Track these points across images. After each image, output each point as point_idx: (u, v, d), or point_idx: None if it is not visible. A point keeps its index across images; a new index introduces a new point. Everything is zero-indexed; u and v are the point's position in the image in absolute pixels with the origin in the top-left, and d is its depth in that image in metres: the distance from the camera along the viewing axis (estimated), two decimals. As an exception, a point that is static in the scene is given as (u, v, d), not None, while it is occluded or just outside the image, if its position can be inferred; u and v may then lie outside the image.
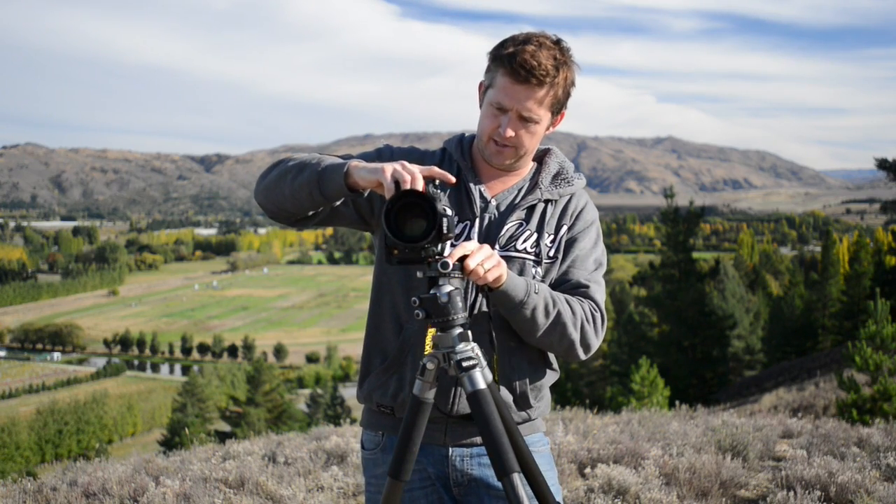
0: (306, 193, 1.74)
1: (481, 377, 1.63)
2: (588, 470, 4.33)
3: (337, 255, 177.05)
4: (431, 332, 1.69)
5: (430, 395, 1.67)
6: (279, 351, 73.97)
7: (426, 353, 1.72)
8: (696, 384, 25.23)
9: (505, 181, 1.92)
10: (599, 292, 1.90)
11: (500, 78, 1.78)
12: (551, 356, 1.94)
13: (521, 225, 1.88)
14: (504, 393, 1.86)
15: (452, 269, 1.61)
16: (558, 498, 1.81)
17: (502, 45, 1.79)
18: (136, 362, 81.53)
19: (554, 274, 1.89)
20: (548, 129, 1.86)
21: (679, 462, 4.31)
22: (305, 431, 7.32)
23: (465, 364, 1.63)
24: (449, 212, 1.61)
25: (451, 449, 1.88)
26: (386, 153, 1.94)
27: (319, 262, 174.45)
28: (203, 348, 79.68)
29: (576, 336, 1.82)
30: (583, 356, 1.87)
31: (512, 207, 1.89)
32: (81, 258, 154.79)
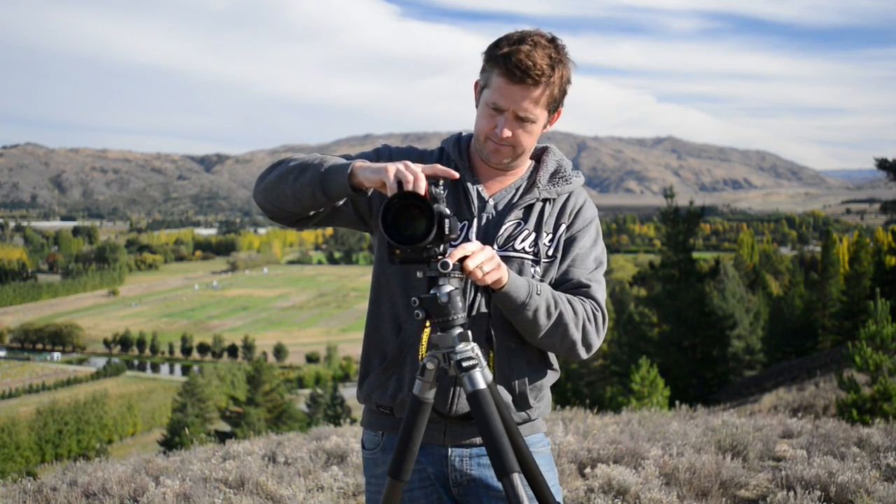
0: (309, 193, 1.74)
1: (481, 377, 1.63)
2: (588, 470, 4.33)
3: (337, 255, 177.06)
4: (427, 333, 1.69)
5: (430, 395, 1.67)
6: (279, 351, 73.97)
7: (421, 355, 1.72)
8: (696, 384, 25.23)
9: (502, 180, 1.92)
10: (600, 291, 1.90)
11: (495, 78, 1.77)
12: (551, 356, 1.94)
13: (519, 224, 1.88)
14: (503, 393, 1.86)
15: (452, 270, 1.62)
16: (558, 498, 1.81)
17: (497, 44, 1.79)
18: (136, 362, 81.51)
19: (553, 273, 1.89)
20: (545, 127, 1.86)
21: (679, 462, 4.31)
22: (305, 431, 7.32)
23: (465, 364, 1.63)
24: (447, 212, 1.61)
25: (450, 449, 1.88)
26: (384, 153, 1.94)
27: (319, 262, 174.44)
28: (203, 348, 79.66)
29: (577, 336, 1.82)
30: (584, 356, 1.87)
31: (510, 207, 1.89)
32: (81, 258, 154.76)
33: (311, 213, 1.82)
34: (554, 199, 1.93)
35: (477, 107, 1.86)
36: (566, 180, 1.94)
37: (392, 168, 1.62)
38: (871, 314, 9.87)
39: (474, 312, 1.83)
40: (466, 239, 1.85)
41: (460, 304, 1.64)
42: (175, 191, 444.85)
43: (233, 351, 76.65)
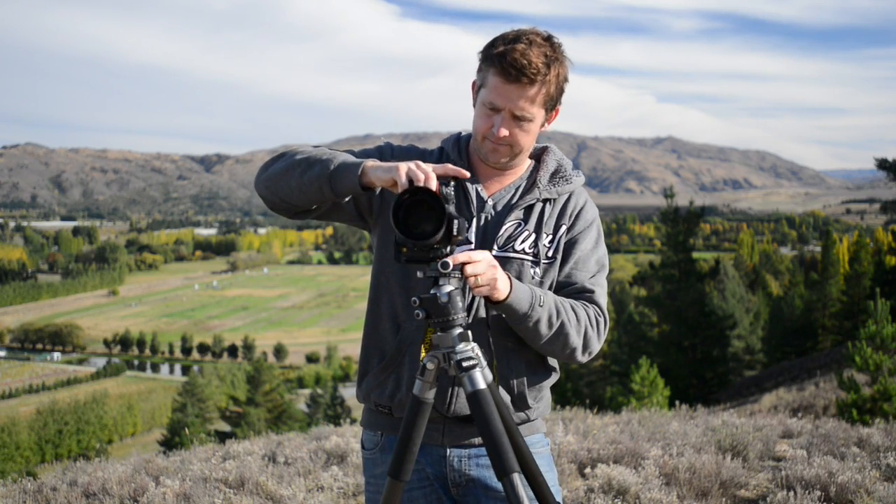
0: (316, 188, 1.74)
1: (481, 377, 1.63)
2: (588, 470, 4.33)
3: (337, 255, 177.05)
4: (430, 332, 1.69)
5: (430, 395, 1.67)
6: (279, 351, 73.98)
7: (423, 355, 1.72)
8: (696, 384, 25.22)
9: (501, 180, 1.92)
10: (603, 296, 1.90)
11: (491, 77, 1.77)
12: (551, 357, 1.94)
13: (519, 225, 1.87)
14: (502, 393, 1.86)
15: (453, 270, 1.62)
16: (558, 499, 1.81)
17: (492, 44, 1.79)
18: (136, 362, 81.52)
19: (553, 274, 1.88)
20: (543, 125, 1.86)
21: (679, 462, 4.31)
22: (305, 431, 7.32)
23: (465, 364, 1.63)
24: (455, 213, 1.61)
25: (448, 449, 1.87)
26: (387, 151, 1.94)
27: (319, 262, 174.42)
28: (203, 348, 79.69)
29: (578, 343, 1.82)
30: (584, 360, 1.88)
31: (509, 207, 1.88)
32: (81, 258, 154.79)
33: (314, 206, 1.83)
34: (554, 200, 1.92)
35: (474, 106, 1.85)
36: (567, 180, 1.93)
37: (403, 167, 1.62)
38: (871, 314, 9.86)
39: (472, 313, 1.83)
40: (467, 241, 1.85)
41: (460, 305, 1.64)
42: (175, 191, 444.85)
43: (233, 351, 76.67)
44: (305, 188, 1.76)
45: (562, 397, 24.33)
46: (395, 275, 1.89)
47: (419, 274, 1.66)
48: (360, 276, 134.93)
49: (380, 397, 1.89)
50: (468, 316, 1.74)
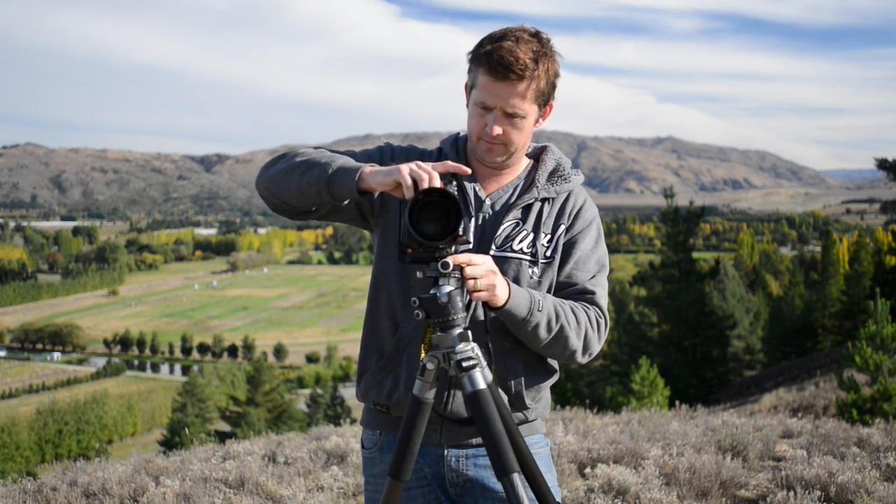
0: (314, 192, 1.75)
1: (481, 377, 1.63)
2: (588, 470, 4.33)
3: (337, 255, 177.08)
4: (430, 332, 1.70)
5: (430, 395, 1.67)
6: (279, 351, 73.98)
7: (422, 356, 1.72)
8: (696, 384, 25.21)
9: (499, 180, 1.92)
10: (604, 297, 1.90)
11: (480, 77, 1.78)
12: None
13: (517, 225, 1.87)
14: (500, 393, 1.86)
15: (452, 270, 1.62)
16: (557, 499, 1.81)
17: (480, 44, 1.79)
18: (136, 362, 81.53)
19: (551, 274, 1.88)
20: (536, 122, 1.85)
21: (679, 462, 4.31)
22: (305, 431, 7.32)
23: (465, 364, 1.63)
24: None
25: (446, 449, 1.87)
26: (387, 151, 1.95)
27: (319, 262, 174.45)
28: (203, 348, 79.70)
29: (578, 345, 1.82)
30: (584, 361, 1.88)
31: (508, 207, 1.88)
32: (81, 258, 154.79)
33: (313, 208, 1.83)
34: (553, 199, 1.92)
35: (467, 108, 1.86)
36: (565, 179, 1.93)
37: (406, 168, 1.63)
38: (871, 314, 9.86)
39: (470, 313, 1.83)
40: (466, 241, 1.85)
41: (460, 305, 1.64)
42: (175, 191, 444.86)
43: (233, 351, 76.67)
44: (304, 191, 1.77)
45: (562, 397, 24.32)
46: (394, 274, 1.89)
47: (419, 274, 1.67)
48: (360, 276, 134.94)
49: (378, 396, 1.89)
50: (466, 316, 1.75)
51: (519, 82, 1.75)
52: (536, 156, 1.98)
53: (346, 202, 1.83)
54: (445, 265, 1.60)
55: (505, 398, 1.86)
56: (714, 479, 4.05)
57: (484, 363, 1.67)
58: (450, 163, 1.69)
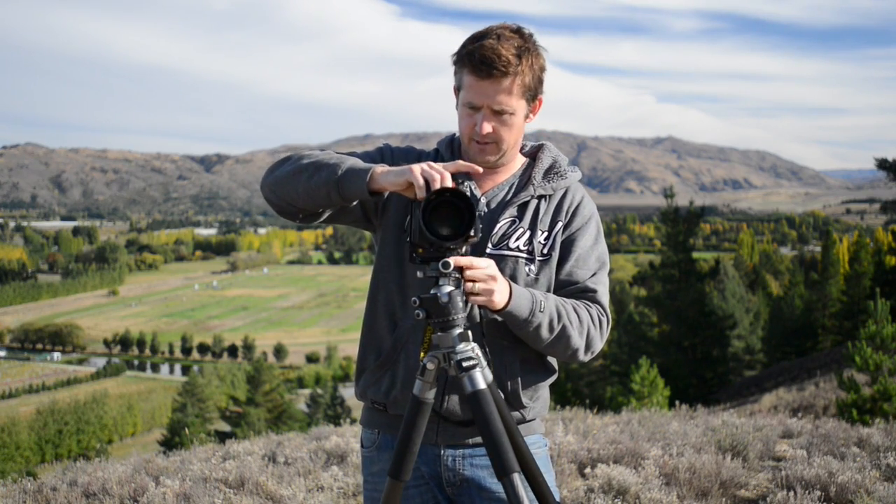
0: (323, 193, 1.75)
1: (481, 377, 1.64)
2: (588, 470, 4.33)
3: (337, 255, 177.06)
4: (430, 332, 1.70)
5: (430, 395, 1.68)
6: (279, 351, 73.98)
7: (422, 355, 1.72)
8: (696, 384, 25.22)
9: (494, 178, 1.92)
10: (605, 294, 1.90)
11: (466, 77, 1.78)
12: (549, 356, 1.94)
13: (513, 222, 1.87)
14: None
15: (453, 270, 1.62)
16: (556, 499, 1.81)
17: (463, 45, 1.80)
18: (136, 362, 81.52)
19: (548, 271, 1.88)
20: (527, 117, 1.85)
21: (679, 462, 4.31)
22: (305, 431, 7.32)
23: (465, 364, 1.63)
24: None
25: (443, 449, 1.87)
26: (387, 152, 1.95)
27: (319, 262, 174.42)
28: (203, 348, 79.68)
29: (581, 344, 1.82)
30: (586, 359, 1.88)
31: (504, 205, 1.88)
32: (81, 258, 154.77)
33: (320, 210, 1.83)
34: (550, 196, 1.92)
35: (457, 109, 1.86)
36: (561, 176, 1.92)
37: (417, 169, 1.63)
38: (871, 314, 9.86)
39: (467, 312, 1.83)
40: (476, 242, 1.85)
41: (461, 305, 1.64)
42: (175, 191, 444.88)
43: (233, 351, 76.66)
44: (313, 192, 1.76)
45: (562, 397, 24.32)
46: (393, 273, 1.89)
47: (419, 274, 1.67)
48: (360, 276, 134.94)
49: (375, 394, 1.89)
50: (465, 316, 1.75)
51: (503, 79, 1.75)
52: (533, 154, 1.98)
53: (353, 203, 1.83)
54: (446, 265, 1.61)
55: (501, 397, 1.85)
56: (714, 479, 4.05)
57: (484, 363, 1.67)
58: (461, 162, 1.69)
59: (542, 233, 1.88)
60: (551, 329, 1.77)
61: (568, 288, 1.87)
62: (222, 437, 16.83)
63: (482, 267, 1.65)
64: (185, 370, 70.79)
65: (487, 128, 1.79)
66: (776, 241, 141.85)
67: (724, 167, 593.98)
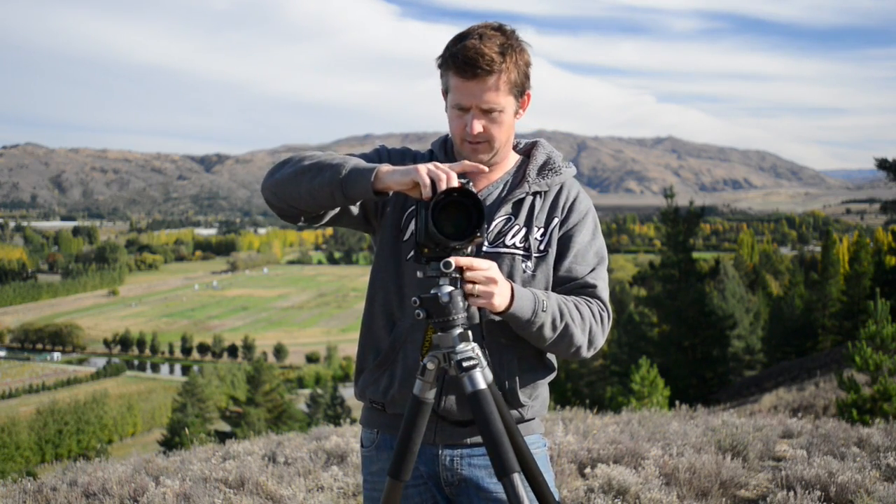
0: (327, 194, 1.73)
1: (481, 377, 1.64)
2: (588, 470, 4.33)
3: (337, 255, 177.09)
4: (431, 332, 1.70)
5: (430, 395, 1.68)
6: (279, 351, 73.98)
7: (423, 354, 1.72)
8: (696, 384, 25.22)
9: (488, 176, 1.92)
10: (605, 290, 1.90)
11: (452, 79, 1.79)
12: (548, 353, 1.94)
13: (509, 220, 1.87)
14: None
15: (453, 270, 1.62)
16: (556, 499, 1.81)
17: (446, 47, 1.81)
18: (136, 362, 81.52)
19: (545, 267, 1.87)
20: (516, 114, 1.86)
21: (679, 462, 4.31)
22: (305, 431, 7.32)
23: (465, 364, 1.63)
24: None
25: (441, 448, 1.87)
26: (383, 154, 1.96)
27: (319, 262, 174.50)
28: (203, 348, 79.68)
29: (584, 341, 1.82)
30: (588, 356, 1.88)
31: (499, 202, 1.88)
32: (81, 258, 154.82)
33: (322, 212, 1.82)
34: (545, 193, 1.92)
35: (447, 112, 1.86)
36: (556, 172, 1.93)
37: (423, 169, 1.63)
38: (871, 314, 9.86)
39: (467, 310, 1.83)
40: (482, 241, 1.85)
41: (461, 304, 1.64)
42: (175, 191, 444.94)
43: (233, 351, 76.66)
44: (316, 193, 1.75)
45: (562, 397, 24.34)
46: (391, 273, 1.89)
47: (419, 274, 1.67)
48: (359, 276, 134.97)
49: (374, 394, 1.89)
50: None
51: (489, 77, 1.75)
52: (527, 151, 1.99)
53: (356, 204, 1.83)
54: (447, 265, 1.61)
55: (499, 395, 1.85)
56: (714, 479, 4.05)
57: (484, 363, 1.67)
58: (467, 162, 1.69)
59: (539, 229, 1.88)
60: (554, 328, 1.76)
61: (567, 284, 1.87)
62: (222, 437, 16.83)
63: (482, 269, 1.65)
64: (185, 370, 70.80)
65: (478, 127, 1.79)
66: (776, 241, 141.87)
67: (724, 167, 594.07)
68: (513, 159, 1.96)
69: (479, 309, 1.72)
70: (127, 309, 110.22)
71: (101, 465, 4.94)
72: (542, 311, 1.74)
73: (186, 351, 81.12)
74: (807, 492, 3.71)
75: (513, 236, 1.86)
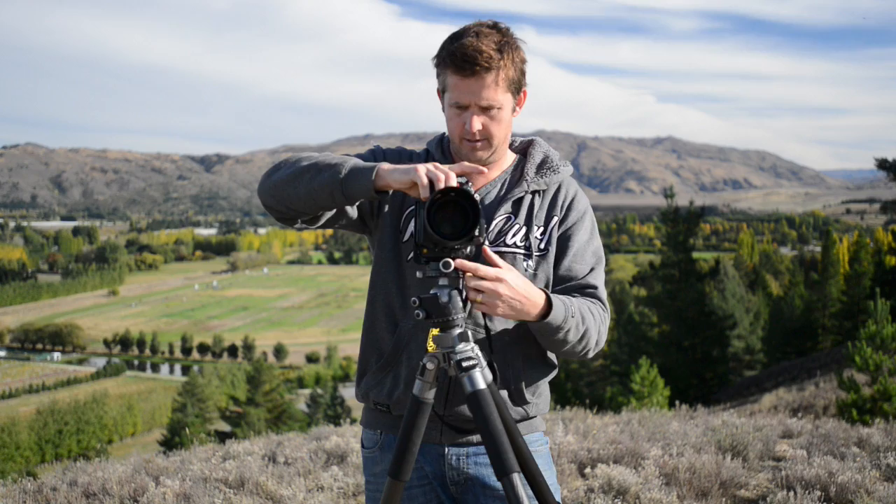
0: (326, 194, 1.72)
1: (481, 377, 1.64)
2: (588, 470, 4.33)
3: (337, 255, 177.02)
4: (434, 332, 1.69)
5: (430, 395, 1.68)
6: (279, 351, 73.94)
7: (431, 347, 1.72)
8: (696, 384, 25.22)
9: (486, 175, 1.91)
10: (603, 290, 1.90)
11: (449, 77, 1.79)
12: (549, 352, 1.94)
13: (509, 219, 1.87)
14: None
15: (453, 270, 1.62)
16: (556, 498, 1.81)
17: (442, 46, 1.81)
18: (136, 362, 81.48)
19: (546, 266, 1.87)
20: (514, 111, 1.86)
21: (679, 462, 4.31)
22: (305, 431, 7.32)
23: (465, 364, 1.63)
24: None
25: (447, 448, 1.87)
26: (379, 154, 1.95)
27: (319, 262, 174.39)
28: (203, 348, 79.64)
29: (593, 342, 1.83)
30: (592, 356, 1.89)
31: (498, 201, 1.88)
32: (81, 258, 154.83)
33: (320, 213, 1.82)
34: (543, 191, 1.92)
35: (444, 112, 1.86)
36: (554, 170, 1.93)
37: (422, 168, 1.62)
38: (871, 314, 9.87)
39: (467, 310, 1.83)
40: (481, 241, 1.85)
41: (461, 304, 1.64)
42: (175, 191, 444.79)
43: (233, 351, 76.62)
44: (315, 194, 1.73)
45: (562, 397, 24.33)
46: (391, 274, 1.89)
47: (418, 274, 1.67)
48: (360, 276, 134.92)
49: (378, 396, 1.89)
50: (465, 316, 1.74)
51: (487, 74, 1.75)
52: (524, 149, 1.99)
53: (355, 204, 1.82)
54: (447, 265, 1.61)
55: (504, 394, 1.86)
56: (714, 479, 4.05)
57: (484, 363, 1.67)
58: (466, 164, 1.68)
59: (538, 228, 1.88)
60: (577, 332, 1.77)
61: (567, 284, 1.87)
62: (222, 437, 16.83)
63: (496, 276, 1.63)
64: (185, 370, 70.78)
65: (477, 125, 1.79)
66: (776, 241, 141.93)
67: (724, 167, 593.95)
68: (510, 158, 1.96)
69: (486, 316, 1.73)
70: (127, 309, 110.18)
71: (101, 465, 4.94)
72: (572, 316, 1.74)
73: (186, 351, 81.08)
74: (807, 492, 3.71)
75: (513, 235, 1.86)
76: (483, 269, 1.63)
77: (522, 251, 1.86)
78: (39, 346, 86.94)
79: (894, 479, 4.07)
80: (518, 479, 1.58)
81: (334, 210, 1.83)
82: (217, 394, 47.41)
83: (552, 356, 1.94)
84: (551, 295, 1.72)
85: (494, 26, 1.79)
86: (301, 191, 1.75)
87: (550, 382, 1.98)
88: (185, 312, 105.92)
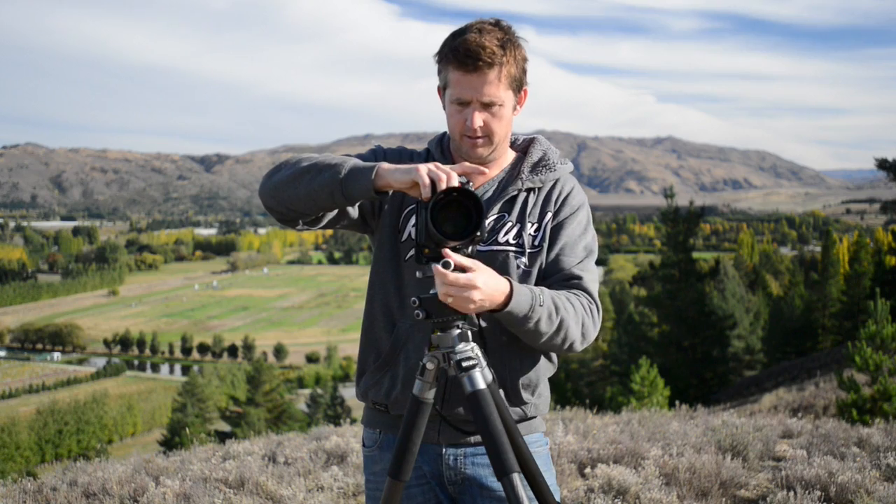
0: (327, 195, 1.72)
1: (481, 377, 1.63)
2: (588, 470, 4.33)
3: (337, 255, 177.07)
4: (436, 332, 1.69)
5: (430, 395, 1.68)
6: (279, 351, 73.95)
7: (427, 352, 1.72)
8: (696, 384, 25.22)
9: (486, 174, 1.92)
10: (593, 282, 1.87)
11: (451, 73, 1.78)
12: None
13: (501, 217, 1.87)
14: None
15: (453, 270, 1.62)
16: (556, 498, 1.81)
17: (445, 42, 1.80)
18: (136, 362, 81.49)
19: (541, 262, 1.87)
20: (515, 109, 1.85)
21: (679, 462, 4.31)
22: (305, 431, 7.32)
23: (464, 364, 1.63)
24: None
25: (444, 448, 1.87)
26: (379, 153, 1.95)
27: (319, 262, 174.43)
28: (203, 348, 79.65)
29: (577, 335, 1.80)
30: (580, 349, 1.86)
31: (492, 200, 1.88)
32: (81, 258, 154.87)
33: (321, 214, 1.81)
34: (538, 189, 1.91)
35: (444, 109, 1.86)
36: (550, 168, 1.92)
37: (424, 168, 1.62)
38: (871, 314, 9.86)
39: None
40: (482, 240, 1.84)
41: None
42: (175, 191, 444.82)
43: (233, 351, 76.63)
44: (315, 195, 1.73)
45: (562, 397, 24.35)
46: (390, 274, 1.89)
47: (418, 274, 1.66)
48: (360, 276, 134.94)
49: (377, 395, 1.89)
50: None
51: (490, 70, 1.75)
52: (525, 148, 1.98)
53: (355, 205, 1.82)
54: (446, 265, 1.60)
55: (502, 394, 1.84)
56: (714, 479, 4.05)
57: (484, 363, 1.67)
58: (467, 164, 1.68)
59: (532, 225, 1.88)
60: (551, 322, 1.74)
61: (554, 275, 1.86)
62: (222, 437, 16.83)
63: (468, 280, 1.58)
64: (185, 370, 70.78)
65: (479, 121, 1.79)
66: (776, 241, 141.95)
67: (724, 167, 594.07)
68: (510, 156, 1.96)
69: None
70: (127, 309, 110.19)
71: (101, 465, 4.94)
72: (539, 305, 1.71)
73: (186, 351, 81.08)
74: (807, 492, 3.71)
75: (506, 233, 1.86)
76: (452, 277, 1.57)
77: (514, 248, 1.85)
78: (39, 346, 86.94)
79: (894, 479, 4.07)
80: (518, 479, 1.58)
81: (335, 211, 1.83)
82: (217, 394, 47.42)
83: (551, 356, 1.94)
84: (515, 284, 1.68)
85: (497, 24, 1.79)
86: (301, 191, 1.75)
87: (550, 383, 1.97)
88: (185, 312, 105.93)
